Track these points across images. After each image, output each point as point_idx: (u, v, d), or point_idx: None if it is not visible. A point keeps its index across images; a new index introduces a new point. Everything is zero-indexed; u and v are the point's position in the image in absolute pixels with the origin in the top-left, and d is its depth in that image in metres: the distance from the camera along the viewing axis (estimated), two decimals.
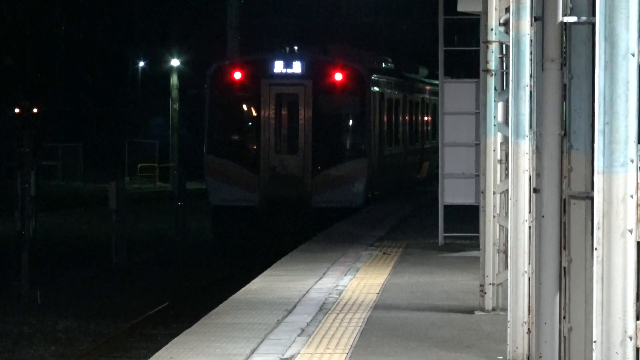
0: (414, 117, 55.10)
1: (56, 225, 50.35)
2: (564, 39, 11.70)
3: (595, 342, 8.47)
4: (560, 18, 12.03)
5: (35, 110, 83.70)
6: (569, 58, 11.27)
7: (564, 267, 11.79)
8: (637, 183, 8.12)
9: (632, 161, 8.12)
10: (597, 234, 8.42)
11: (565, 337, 11.78)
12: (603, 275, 8.43)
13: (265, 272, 27.04)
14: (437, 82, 31.65)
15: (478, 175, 22.44)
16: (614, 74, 8.26)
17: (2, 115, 76.82)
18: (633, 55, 8.20)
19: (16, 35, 76.96)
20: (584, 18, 8.54)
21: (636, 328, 8.06)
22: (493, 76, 21.03)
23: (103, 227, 51.57)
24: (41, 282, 36.28)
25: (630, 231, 8.21)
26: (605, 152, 8.30)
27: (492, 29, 21.17)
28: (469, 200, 25.44)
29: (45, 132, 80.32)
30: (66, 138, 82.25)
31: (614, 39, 8.26)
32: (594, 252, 8.47)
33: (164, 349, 18.47)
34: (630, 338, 8.14)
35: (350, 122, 46.26)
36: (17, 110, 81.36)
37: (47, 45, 78.87)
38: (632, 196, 8.17)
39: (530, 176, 14.05)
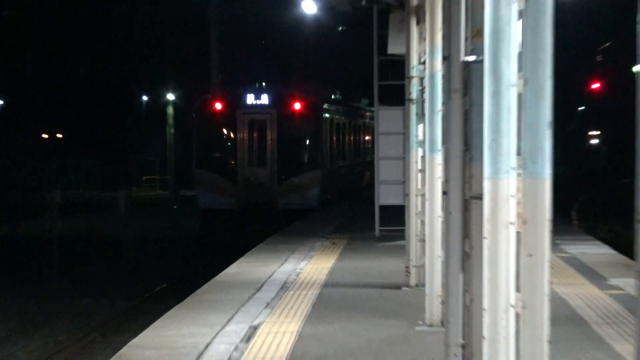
0: (357, 137, 55.83)
1: (78, 224, 50.57)
2: (466, 74, 11.82)
3: (485, 309, 8.55)
4: (462, 58, 12.16)
5: (59, 135, 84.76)
6: (469, 89, 11.36)
7: (467, 252, 11.91)
8: (517, 186, 8.20)
9: (513, 169, 8.21)
10: (486, 226, 8.50)
11: (467, 306, 11.88)
12: (491, 258, 8.51)
13: (239, 260, 27.15)
14: (374, 109, 31.74)
15: (404, 182, 22.53)
16: (499, 102, 8.34)
17: (32, 139, 77.70)
18: (513, 86, 8.29)
19: (47, 77, 77.70)
20: (480, 58, 8.59)
21: (516, 299, 8.12)
22: (414, 104, 21.15)
23: (114, 226, 51.76)
24: (66, 270, 36.36)
25: (512, 224, 8.29)
26: (492, 163, 8.39)
27: (413, 67, 21.27)
28: (399, 201, 25.50)
29: (68, 153, 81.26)
30: (86, 156, 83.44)
31: (499, 73, 8.34)
32: (484, 240, 8.55)
33: (160, 319, 18.54)
34: (512, 306, 8.21)
35: (307, 142, 46.70)
36: (45, 136, 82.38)
37: (69, 85, 79.43)
38: (513, 196, 8.26)
39: (442, 182, 14.09)
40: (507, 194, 8.31)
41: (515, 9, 8.27)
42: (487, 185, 8.49)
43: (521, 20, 8.27)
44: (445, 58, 13.06)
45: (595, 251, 27.53)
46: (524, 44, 8.19)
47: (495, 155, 8.36)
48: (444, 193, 13.26)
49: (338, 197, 48.73)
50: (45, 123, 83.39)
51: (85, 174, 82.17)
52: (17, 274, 36.15)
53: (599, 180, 75.77)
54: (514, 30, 8.28)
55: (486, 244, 8.54)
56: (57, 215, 47.49)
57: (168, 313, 19.26)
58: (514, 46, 8.26)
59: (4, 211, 56.83)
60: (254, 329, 17.17)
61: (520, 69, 8.23)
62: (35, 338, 25.75)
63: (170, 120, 77.58)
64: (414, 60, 21.37)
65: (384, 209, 30.12)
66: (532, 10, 8.14)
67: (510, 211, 8.29)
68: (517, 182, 8.23)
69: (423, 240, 18.91)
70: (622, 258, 26.15)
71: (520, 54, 8.24)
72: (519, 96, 8.24)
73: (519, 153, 8.19)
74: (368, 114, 49.49)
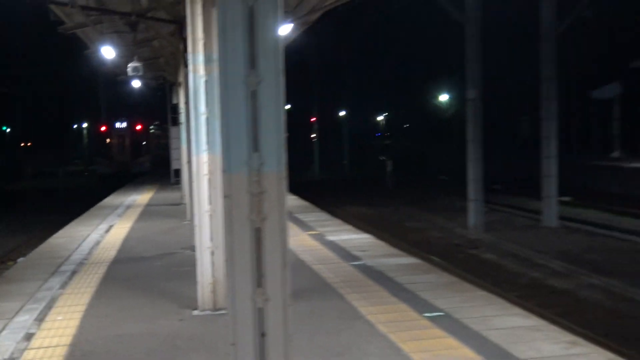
0: (165, 140, 55.80)
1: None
2: (189, 111, 11.64)
3: (195, 214, 8.37)
4: (182, 103, 11.89)
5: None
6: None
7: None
8: (206, 158, 8.00)
9: (204, 150, 8.01)
10: (196, 176, 8.30)
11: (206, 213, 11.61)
12: (198, 190, 8.34)
13: (111, 195, 25.90)
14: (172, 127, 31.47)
15: (180, 158, 22.14)
16: (198, 122, 8.13)
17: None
18: (203, 114, 8.05)
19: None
20: (202, 110, 8.38)
21: (209, 206, 7.98)
22: (182, 125, 20.75)
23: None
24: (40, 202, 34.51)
25: (206, 175, 8.09)
26: (196, 147, 8.17)
27: (181, 108, 20.82)
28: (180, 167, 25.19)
29: None
30: None
31: (198, 109, 8.13)
32: (195, 182, 8.35)
33: (68, 224, 17.61)
34: (206, 212, 8.03)
35: (144, 143, 47.43)
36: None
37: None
38: (205, 162, 8.04)
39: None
40: (203, 162, 8.10)
41: (203, 80, 8.02)
42: (194, 158, 8.28)
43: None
44: (186, 104, 12.77)
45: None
46: (207, 94, 7.98)
47: (197, 144, 8.13)
48: (188, 162, 13.00)
49: (159, 166, 47.96)
50: None
51: None
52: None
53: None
54: (202, 89, 8.03)
55: (195, 184, 8.35)
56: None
57: (72, 222, 18.25)
58: (202, 96, 8.02)
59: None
60: (111, 227, 16.51)
61: (207, 106, 8.01)
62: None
63: (85, 136, 75.70)
64: (182, 105, 20.89)
65: (175, 171, 29.49)
66: (209, 80, 7.95)
67: (205, 169, 8.10)
68: (207, 156, 8.04)
69: (189, 184, 18.61)
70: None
71: (206, 100, 8.03)
72: (207, 119, 8.02)
73: (207, 143, 8.01)
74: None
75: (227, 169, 3.80)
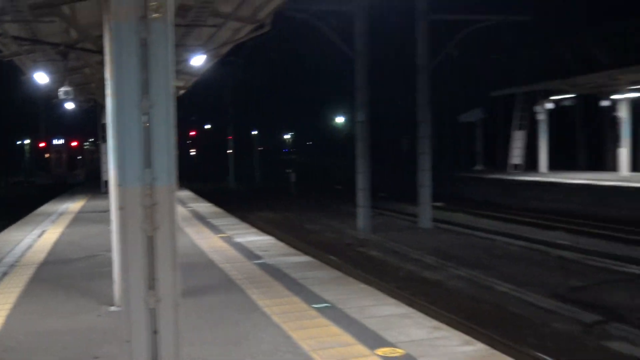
0: (98, 154, 54.32)
1: None
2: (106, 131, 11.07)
3: (113, 210, 8.02)
4: (106, 122, 11.34)
5: None
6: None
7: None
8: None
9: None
10: (113, 188, 7.95)
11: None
12: (115, 196, 7.97)
13: (49, 202, 24.48)
14: (102, 144, 30.42)
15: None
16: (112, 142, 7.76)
17: None
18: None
19: None
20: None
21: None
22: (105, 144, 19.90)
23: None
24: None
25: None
26: (111, 162, 7.85)
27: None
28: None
29: None
30: None
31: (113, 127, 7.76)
32: (112, 194, 8.01)
33: (6, 229, 16.56)
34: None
35: (79, 157, 45.60)
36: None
37: None
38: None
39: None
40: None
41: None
42: (111, 171, 7.96)
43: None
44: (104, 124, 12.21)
45: (203, 204, 26.71)
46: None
47: (113, 159, 7.83)
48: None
49: (92, 178, 46.10)
50: None
51: None
52: None
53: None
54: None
55: (112, 194, 8.01)
56: None
57: (8, 227, 17.16)
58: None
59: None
60: (44, 232, 15.62)
61: None
62: None
63: (27, 151, 70.86)
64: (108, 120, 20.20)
65: (105, 182, 28.15)
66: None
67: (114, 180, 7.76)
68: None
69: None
70: (197, 195, 25.58)
71: None
72: None
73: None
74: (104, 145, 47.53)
75: (122, 183, 3.62)
